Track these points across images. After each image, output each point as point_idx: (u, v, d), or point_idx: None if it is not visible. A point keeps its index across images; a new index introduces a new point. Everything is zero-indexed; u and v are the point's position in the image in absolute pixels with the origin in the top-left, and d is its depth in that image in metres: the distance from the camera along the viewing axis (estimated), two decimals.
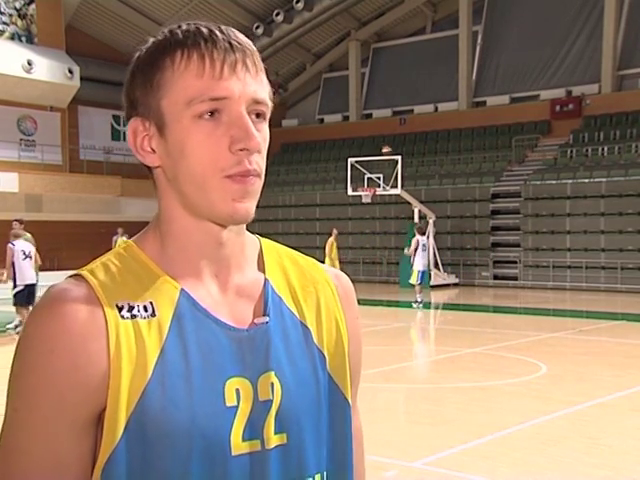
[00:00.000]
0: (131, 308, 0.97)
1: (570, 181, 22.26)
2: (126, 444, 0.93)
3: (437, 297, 19.50)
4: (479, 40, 28.53)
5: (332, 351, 1.08)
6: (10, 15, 25.12)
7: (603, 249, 21.22)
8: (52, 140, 26.73)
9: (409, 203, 21.97)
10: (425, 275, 16.82)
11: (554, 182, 22.59)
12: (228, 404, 0.97)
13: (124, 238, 20.57)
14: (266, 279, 1.07)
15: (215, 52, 0.96)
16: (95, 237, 26.31)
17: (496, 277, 23.20)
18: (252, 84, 0.98)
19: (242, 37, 1.00)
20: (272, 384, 1.00)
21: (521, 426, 6.69)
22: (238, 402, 0.97)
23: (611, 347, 11.33)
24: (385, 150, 21.29)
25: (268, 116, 1.01)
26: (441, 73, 28.94)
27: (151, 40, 1.02)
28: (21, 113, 26.00)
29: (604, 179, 21.67)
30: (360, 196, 21.77)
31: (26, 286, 12.66)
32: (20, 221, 13.45)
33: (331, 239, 20.13)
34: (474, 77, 28.46)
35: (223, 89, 0.95)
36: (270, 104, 1.01)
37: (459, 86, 28.31)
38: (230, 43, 0.97)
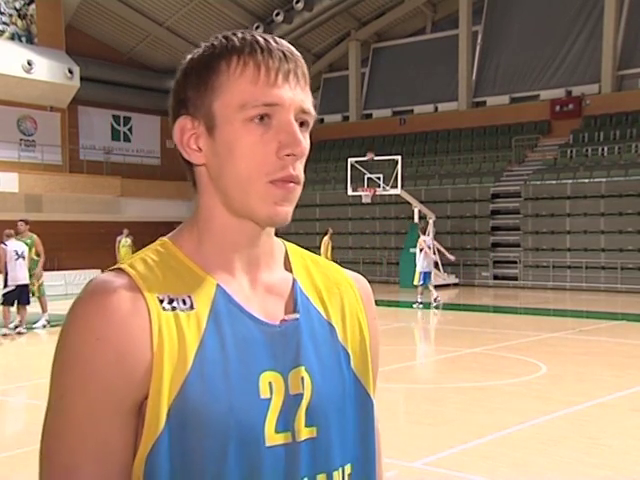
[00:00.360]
0: (171, 300, 1.00)
1: (570, 181, 22.26)
2: (168, 434, 0.95)
3: None
4: (479, 40, 28.53)
5: (356, 350, 1.12)
6: (10, 15, 25.12)
7: (603, 249, 21.22)
8: (52, 140, 26.72)
9: (409, 203, 21.96)
10: (427, 276, 16.78)
11: (554, 182, 22.59)
12: (262, 396, 1.00)
13: (128, 239, 20.60)
14: (294, 279, 1.12)
15: (270, 61, 1.01)
16: (95, 237, 26.30)
17: (496, 277, 23.20)
18: (301, 94, 1.03)
19: (293, 49, 1.05)
20: (302, 379, 1.04)
21: (521, 426, 6.69)
22: (271, 395, 1.01)
23: (611, 347, 11.33)
24: (369, 157, 21.28)
25: (311, 126, 1.06)
26: (441, 73, 28.94)
27: (204, 45, 1.06)
28: (21, 113, 25.99)
29: (604, 179, 21.67)
30: (360, 196, 21.76)
31: (17, 286, 12.68)
32: (25, 221, 13.52)
33: (326, 238, 20.13)
34: (474, 77, 28.46)
35: (276, 96, 1.01)
36: (314, 115, 1.05)
37: (459, 86, 28.31)
38: (284, 54, 1.03)
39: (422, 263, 16.59)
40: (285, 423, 1.01)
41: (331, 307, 1.12)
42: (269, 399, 1.00)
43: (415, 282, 16.71)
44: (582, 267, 21.37)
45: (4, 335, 12.66)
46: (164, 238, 1.08)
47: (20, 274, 12.72)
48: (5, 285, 12.69)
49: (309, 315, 1.09)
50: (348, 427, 1.09)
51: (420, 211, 21.65)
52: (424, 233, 17.31)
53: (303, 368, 1.04)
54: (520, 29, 27.39)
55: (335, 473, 1.06)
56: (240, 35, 1.04)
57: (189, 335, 0.98)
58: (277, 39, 1.04)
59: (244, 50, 1.02)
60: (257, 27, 28.25)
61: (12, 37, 25.09)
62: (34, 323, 13.63)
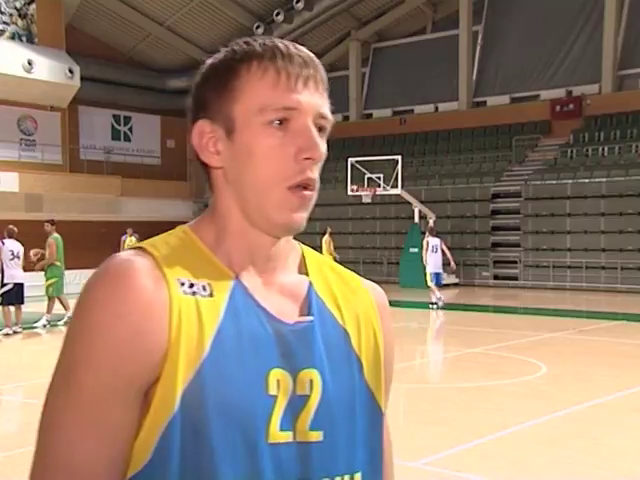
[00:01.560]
0: (192, 285, 1.00)
1: (570, 181, 22.26)
2: (181, 417, 0.94)
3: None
4: (479, 40, 28.52)
5: (369, 358, 1.12)
6: (10, 15, 25.12)
7: (603, 249, 21.22)
8: (52, 140, 26.73)
9: (409, 203, 21.97)
10: (439, 276, 16.67)
11: (554, 182, 22.59)
12: (269, 392, 1.00)
13: (133, 238, 20.56)
14: (309, 282, 1.11)
15: (290, 67, 1.02)
16: (95, 237, 26.26)
17: (496, 277, 23.19)
18: (319, 99, 1.04)
19: (312, 55, 1.06)
20: (311, 381, 1.03)
21: (521, 426, 6.69)
22: (277, 392, 1.00)
23: (611, 347, 11.33)
24: (371, 192, 21.46)
25: (328, 132, 1.07)
26: (441, 73, 28.92)
27: (224, 50, 1.07)
28: (21, 113, 26.00)
29: (604, 179, 21.66)
30: (360, 196, 21.76)
31: (15, 285, 12.72)
32: (52, 222, 13.64)
33: (326, 237, 20.17)
34: (474, 77, 28.45)
35: (295, 100, 1.01)
36: (332, 120, 1.07)
37: (459, 86, 28.31)
38: (304, 60, 1.04)
39: (431, 264, 16.46)
40: (288, 422, 1.00)
41: (346, 313, 1.11)
42: (275, 396, 1.00)
43: (429, 283, 16.55)
44: (582, 267, 21.36)
45: (6, 335, 12.67)
46: (184, 226, 1.08)
47: (16, 272, 12.79)
48: (3, 284, 12.73)
49: (323, 318, 1.08)
50: (356, 435, 1.07)
51: (420, 211, 21.64)
52: (433, 234, 17.11)
53: (313, 370, 1.03)
54: (520, 29, 27.38)
55: (338, 479, 1.04)
56: (260, 41, 1.05)
57: (207, 321, 0.98)
58: (297, 46, 1.05)
59: (265, 55, 1.02)
60: (257, 27, 28.27)
61: (12, 37, 25.09)
62: (35, 322, 13.63)
